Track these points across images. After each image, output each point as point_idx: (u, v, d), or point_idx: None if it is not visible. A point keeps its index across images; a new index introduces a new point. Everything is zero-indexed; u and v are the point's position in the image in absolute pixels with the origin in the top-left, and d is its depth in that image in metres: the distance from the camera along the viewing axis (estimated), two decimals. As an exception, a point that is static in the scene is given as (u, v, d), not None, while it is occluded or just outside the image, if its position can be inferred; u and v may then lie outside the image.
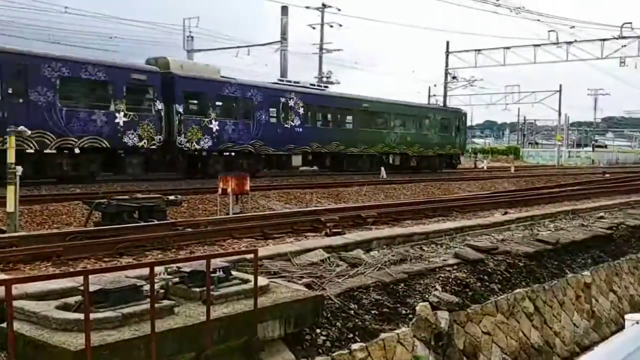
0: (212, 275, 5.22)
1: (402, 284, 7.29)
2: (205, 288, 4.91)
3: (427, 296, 7.21)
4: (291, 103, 27.12)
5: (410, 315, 6.85)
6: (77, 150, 19.89)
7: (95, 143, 19.97)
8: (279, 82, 28.65)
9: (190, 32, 38.05)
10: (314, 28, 46.89)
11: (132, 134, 20.94)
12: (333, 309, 6.32)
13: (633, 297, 10.76)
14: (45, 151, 18.86)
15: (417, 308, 6.92)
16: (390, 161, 33.14)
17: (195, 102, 23.87)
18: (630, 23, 34.32)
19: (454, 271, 8.04)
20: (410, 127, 34.73)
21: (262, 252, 7.44)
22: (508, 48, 39.51)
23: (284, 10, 35.01)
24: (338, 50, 46.96)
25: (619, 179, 34.92)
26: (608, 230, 11.77)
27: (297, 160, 27.59)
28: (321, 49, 46.87)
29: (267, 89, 26.51)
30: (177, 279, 5.52)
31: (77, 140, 19.46)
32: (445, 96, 49.33)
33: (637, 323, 3.43)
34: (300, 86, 28.76)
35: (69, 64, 19.47)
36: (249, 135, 25.06)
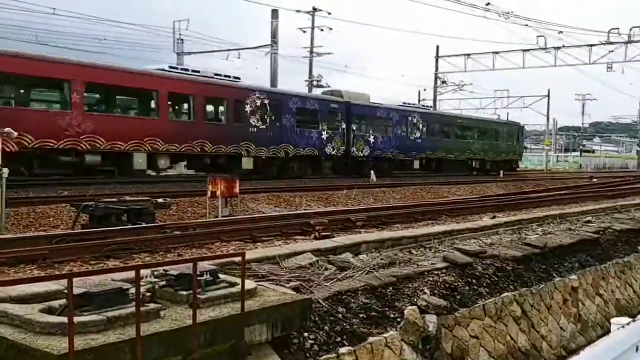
0: (200, 278, 5.19)
1: (391, 288, 7.29)
2: (192, 291, 4.88)
3: (415, 300, 7.21)
4: (415, 121, 35.49)
5: (399, 319, 6.84)
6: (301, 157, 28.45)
7: (311, 152, 28.79)
8: (405, 104, 37.42)
9: (180, 34, 37.98)
10: (304, 32, 46.94)
11: (330, 146, 29.69)
12: (321, 312, 6.30)
13: (619, 301, 10.81)
14: (289, 157, 27.49)
15: (405, 312, 6.91)
16: (473, 165, 41.81)
17: (361, 122, 32.12)
18: (618, 29, 34.56)
19: (443, 275, 8.04)
20: (488, 139, 43.20)
21: (250, 255, 7.41)
22: (497, 53, 39.82)
23: (275, 13, 35.01)
24: (329, 54, 47.06)
25: (606, 184, 35.19)
26: (595, 235, 11.83)
27: (417, 164, 36.22)
28: (312, 52, 46.90)
29: (402, 110, 35.21)
30: (164, 283, 5.48)
31: (302, 150, 28.26)
32: (435, 100, 49.56)
33: (623, 327, 3.43)
34: (420, 107, 39.94)
35: (300, 98, 28.77)
36: (390, 146, 33.67)
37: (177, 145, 22.47)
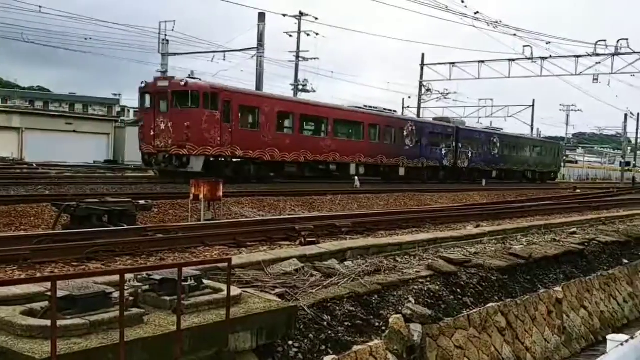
0: (183, 283, 5.10)
1: (376, 296, 7.24)
2: (175, 297, 4.79)
3: (400, 308, 7.17)
4: (494, 140, 45.60)
5: (384, 328, 6.80)
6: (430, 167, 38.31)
7: (435, 164, 38.43)
8: (489, 128, 50.13)
9: (165, 35, 37.67)
10: (290, 36, 46.88)
11: (446, 159, 39.42)
12: (306, 320, 6.23)
13: (604, 313, 10.85)
14: (424, 167, 37.39)
15: (390, 320, 6.86)
16: (528, 175, 51.42)
17: (463, 141, 41.38)
18: (605, 40, 34.90)
19: (427, 283, 8.01)
20: (538, 154, 53.48)
21: (235, 260, 7.31)
22: (483, 62, 40.01)
23: (261, 17, 34.89)
24: (314, 59, 47.06)
25: (589, 194, 35.48)
26: (580, 246, 11.87)
27: (494, 174, 45.81)
28: (298, 57, 46.86)
29: (486, 132, 46.27)
30: (147, 287, 5.38)
31: (432, 162, 38.07)
32: (419, 108, 49.73)
33: (622, 344, 3.39)
34: (497, 129, 50.12)
35: (431, 124, 39.91)
36: (480, 159, 43.50)
37: (370, 159, 32.97)
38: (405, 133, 35.86)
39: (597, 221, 16.67)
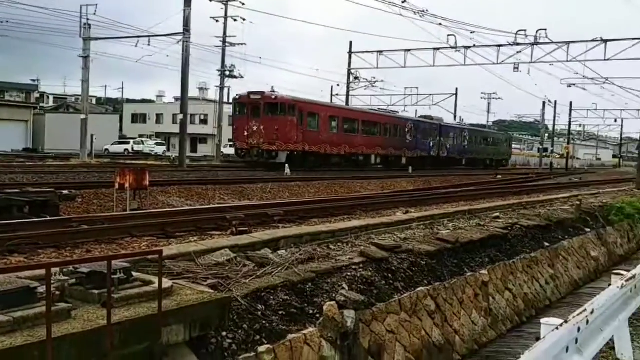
0: (112, 276, 4.91)
1: (310, 284, 7.23)
2: (104, 290, 4.60)
3: (334, 295, 7.20)
4: (464, 134, 56.65)
5: (318, 315, 6.80)
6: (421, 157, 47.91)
7: (425, 154, 47.83)
8: (460, 123, 63.78)
9: (87, 19, 36.13)
10: (217, 21, 46.17)
11: (432, 150, 49.27)
12: (240, 310, 6.15)
13: (527, 295, 11.29)
14: (418, 157, 46.78)
15: (324, 308, 6.88)
16: (488, 163, 60.36)
17: (443, 135, 51.42)
18: (525, 30, 36.07)
19: (360, 270, 8.08)
20: (494, 145, 64.39)
21: (165, 251, 7.12)
22: (409, 50, 40.62)
23: (187, 1, 34.03)
24: (242, 44, 46.62)
25: (510, 180, 36.93)
26: (503, 230, 12.28)
27: (464, 162, 55.68)
28: (224, 42, 46.19)
29: (458, 127, 57.91)
30: (73, 281, 5.15)
31: (423, 152, 47.94)
32: (347, 96, 50.10)
33: (557, 329, 3.50)
34: (466, 125, 63.27)
35: (423, 122, 49.52)
36: (454, 150, 53.69)
37: (384, 151, 42.24)
38: (406, 130, 45.97)
39: (519, 206, 17.32)
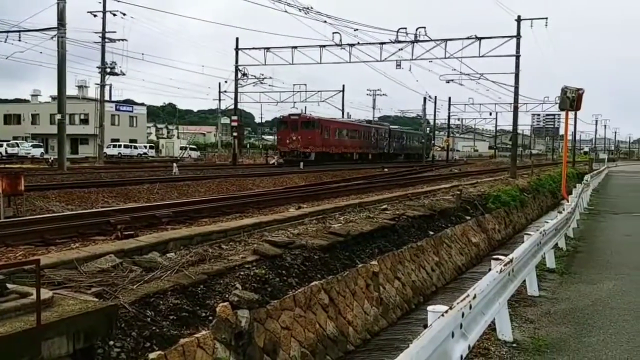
0: (-16, 291, 4.53)
1: (202, 286, 7.06)
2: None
3: (227, 296, 7.07)
4: (403, 135, 75.19)
5: (211, 317, 6.66)
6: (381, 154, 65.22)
7: (382, 151, 65.54)
8: (400, 128, 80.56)
9: (-52, 12, 33.41)
10: (95, 15, 44.06)
11: (385, 148, 66.93)
12: (128, 318, 5.88)
13: (415, 282, 11.70)
14: (379, 154, 64.02)
15: (217, 309, 6.74)
16: (417, 156, 72.49)
17: (390, 137, 67.92)
18: (405, 28, 37.15)
19: (254, 268, 8.00)
20: (412, 141, 77.60)
21: (44, 260, 6.69)
22: (295, 47, 40.79)
23: (62, -6, 32.21)
24: (122, 40, 44.72)
25: (396, 173, 38.22)
26: (391, 221, 12.65)
27: (402, 157, 72.02)
28: (104, 38, 44.18)
29: (400, 130, 76.64)
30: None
31: (382, 150, 65.43)
32: (236, 93, 49.53)
33: (443, 315, 3.61)
34: (400, 128, 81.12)
35: (381, 128, 68.18)
36: (395, 147, 69.94)
37: (360, 150, 58.26)
38: (371, 134, 62.58)
39: (405, 197, 17.94)
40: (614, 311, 8.18)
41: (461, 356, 4.44)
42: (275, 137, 65.99)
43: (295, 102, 62.31)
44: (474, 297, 4.93)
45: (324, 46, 39.07)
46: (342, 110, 72.56)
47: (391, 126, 76.35)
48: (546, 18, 33.95)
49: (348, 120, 63.78)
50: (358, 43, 37.83)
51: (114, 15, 43.65)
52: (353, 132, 58.45)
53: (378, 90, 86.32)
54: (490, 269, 6.33)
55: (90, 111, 63.66)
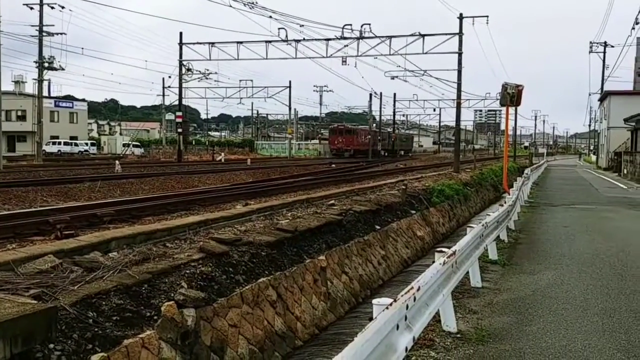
0: None
1: (146, 285, 6.91)
2: None
3: (172, 295, 6.95)
4: (399, 137, 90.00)
5: (156, 317, 6.53)
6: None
7: (383, 149, 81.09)
8: (401, 132, 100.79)
9: None
10: (31, 8, 42.60)
11: (390, 146, 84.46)
12: (69, 319, 5.70)
13: (362, 276, 11.80)
14: (379, 150, 77.54)
15: (162, 308, 6.62)
16: (403, 153, 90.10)
17: (394, 138, 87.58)
18: (351, 25, 37.44)
19: (200, 266, 7.89)
20: (402, 141, 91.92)
21: (-23, 262, 6.41)
22: (241, 43, 40.47)
23: (-4, -14, 31.09)
24: (61, 34, 43.41)
25: (343, 169, 38.44)
26: (338, 217, 12.70)
27: (401, 154, 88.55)
28: (41, 31, 42.77)
29: (399, 134, 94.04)
30: None
31: (380, 150, 77.97)
32: (180, 88, 48.80)
33: (387, 308, 3.64)
34: (399, 133, 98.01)
35: (378, 133, 79.40)
36: (396, 146, 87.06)
37: (360, 148, 72.50)
38: (382, 137, 78.97)
39: (352, 192, 18.09)
40: (553, 300, 8.46)
41: (406, 347, 4.50)
42: (323, 139, 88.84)
43: (241, 98, 62.00)
44: (418, 289, 5.00)
45: (270, 42, 38.98)
46: (289, 106, 72.69)
47: (399, 133, 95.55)
48: (487, 16, 34.71)
49: (370, 128, 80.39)
50: (304, 39, 37.88)
51: (52, 8, 42.38)
52: (377, 137, 78.61)
53: (325, 86, 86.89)
54: (434, 262, 6.44)
55: (27, 107, 61.56)
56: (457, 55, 34.69)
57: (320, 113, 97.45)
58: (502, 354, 6.28)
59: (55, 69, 45.26)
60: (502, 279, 9.83)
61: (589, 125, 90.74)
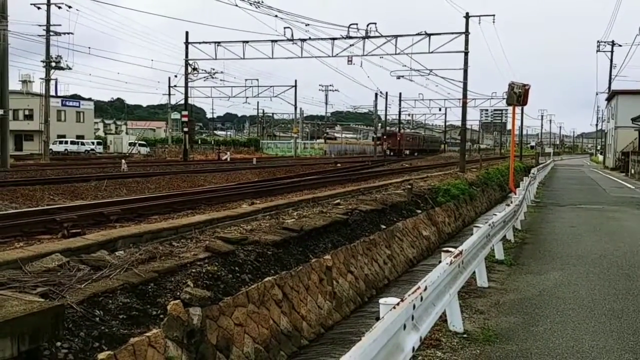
0: None
1: (152, 284, 6.93)
2: None
3: (178, 294, 6.97)
4: (415, 136, 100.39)
5: (162, 316, 6.54)
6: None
7: (421, 148, 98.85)
8: (428, 134, 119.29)
9: None
10: (39, 8, 42.75)
11: (423, 146, 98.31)
12: (75, 318, 5.72)
13: (368, 276, 11.80)
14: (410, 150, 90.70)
15: (168, 307, 6.63)
16: (434, 150, 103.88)
17: (424, 139, 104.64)
18: (357, 24, 37.35)
19: (206, 265, 7.91)
20: (428, 142, 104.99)
21: (-16, 260, 6.44)
22: (247, 42, 40.45)
23: (4, -15, 31.11)
24: (68, 33, 43.54)
25: (349, 168, 38.43)
26: (344, 216, 12.71)
27: (416, 154, 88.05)
28: (48, 31, 42.92)
29: (414, 133, 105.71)
30: None
31: (407, 150, 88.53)
32: (186, 87, 48.87)
33: (394, 307, 3.64)
34: (414, 132, 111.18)
35: (422, 135, 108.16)
36: (425, 146, 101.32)
37: (415, 148, 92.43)
38: (417, 138, 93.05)
39: (357, 192, 18.07)
40: (560, 301, 8.44)
41: (413, 347, 4.49)
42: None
43: (247, 98, 62.06)
44: (425, 289, 4.99)
45: (276, 41, 38.89)
46: (295, 105, 72.70)
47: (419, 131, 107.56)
48: (493, 15, 34.62)
49: (411, 132, 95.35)
50: (309, 38, 37.80)
51: (59, 8, 42.53)
52: (412, 139, 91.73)
53: (330, 85, 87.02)
54: (440, 261, 6.42)
55: (35, 107, 61.76)
56: (463, 54, 34.60)
57: (326, 112, 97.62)
58: (508, 355, 6.27)
59: (62, 69, 45.44)
60: (508, 279, 9.80)
61: (596, 125, 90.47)
